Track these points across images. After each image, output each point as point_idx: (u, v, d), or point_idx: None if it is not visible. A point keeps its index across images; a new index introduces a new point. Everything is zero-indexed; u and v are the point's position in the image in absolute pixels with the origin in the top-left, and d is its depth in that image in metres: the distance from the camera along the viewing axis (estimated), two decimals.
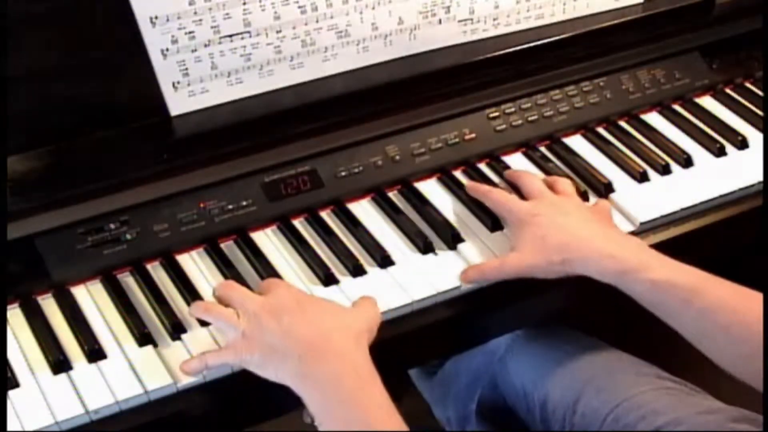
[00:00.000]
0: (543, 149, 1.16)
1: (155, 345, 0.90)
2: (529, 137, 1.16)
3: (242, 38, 1.04)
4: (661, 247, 1.01)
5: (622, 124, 1.21)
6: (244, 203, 1.02)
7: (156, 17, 0.99)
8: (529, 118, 1.16)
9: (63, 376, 0.87)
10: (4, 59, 0.94)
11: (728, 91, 1.27)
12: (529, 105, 1.16)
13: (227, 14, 1.02)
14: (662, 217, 1.06)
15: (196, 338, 0.91)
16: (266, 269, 0.98)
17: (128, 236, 0.97)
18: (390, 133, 1.09)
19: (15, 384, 0.86)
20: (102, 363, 0.88)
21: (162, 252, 0.99)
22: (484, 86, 1.15)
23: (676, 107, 1.24)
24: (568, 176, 1.11)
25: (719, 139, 1.18)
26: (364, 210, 1.07)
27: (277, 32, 1.05)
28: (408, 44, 1.13)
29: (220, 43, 1.03)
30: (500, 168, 1.12)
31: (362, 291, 0.95)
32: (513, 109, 1.15)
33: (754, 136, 1.19)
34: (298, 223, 1.04)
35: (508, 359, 1.15)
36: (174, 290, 0.96)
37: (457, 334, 1.01)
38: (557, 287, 0.98)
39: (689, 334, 0.89)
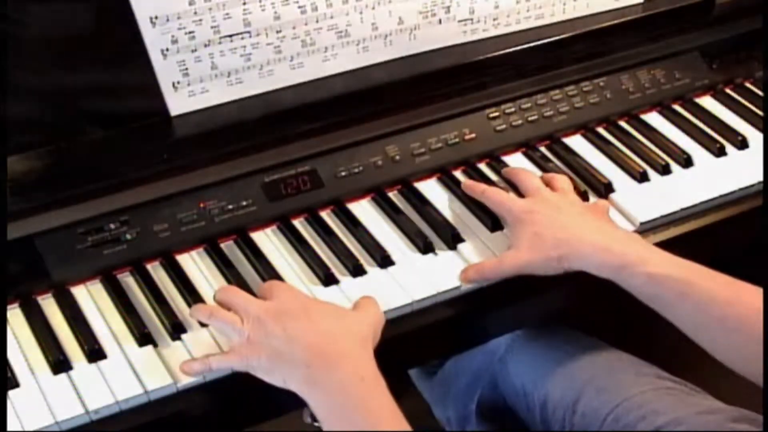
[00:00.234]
0: (543, 149, 1.16)
1: (155, 345, 0.90)
2: (529, 137, 1.16)
3: (242, 38, 1.04)
4: (661, 247, 1.01)
5: (622, 124, 1.21)
6: (244, 203, 1.02)
7: (156, 17, 0.99)
8: (529, 118, 1.16)
9: (63, 376, 0.87)
10: (4, 59, 0.94)
11: (728, 91, 1.27)
12: (529, 105, 1.16)
13: (227, 14, 1.02)
14: (662, 217, 1.06)
15: (196, 338, 0.91)
16: (266, 269, 0.98)
17: (128, 236, 0.97)
18: (390, 133, 1.09)
19: (15, 384, 0.86)
20: (102, 363, 0.88)
21: (162, 252, 0.99)
22: (484, 86, 1.15)
23: (676, 107, 1.24)
24: (568, 176, 1.11)
25: (719, 139, 1.18)
26: (364, 210, 1.07)
27: (277, 32, 1.05)
28: (408, 44, 1.13)
29: (220, 43, 1.03)
30: (500, 168, 1.12)
31: (362, 291, 0.95)
32: (513, 109, 1.15)
33: (754, 136, 1.19)
34: (298, 223, 1.04)
35: (508, 359, 1.15)
36: (174, 290, 0.96)
37: (457, 334, 1.01)
38: (557, 287, 0.98)
39: (685, 327, 0.89)
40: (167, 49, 1.00)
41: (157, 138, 1.03)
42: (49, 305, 0.94)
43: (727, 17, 1.28)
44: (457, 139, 1.12)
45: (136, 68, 1.00)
